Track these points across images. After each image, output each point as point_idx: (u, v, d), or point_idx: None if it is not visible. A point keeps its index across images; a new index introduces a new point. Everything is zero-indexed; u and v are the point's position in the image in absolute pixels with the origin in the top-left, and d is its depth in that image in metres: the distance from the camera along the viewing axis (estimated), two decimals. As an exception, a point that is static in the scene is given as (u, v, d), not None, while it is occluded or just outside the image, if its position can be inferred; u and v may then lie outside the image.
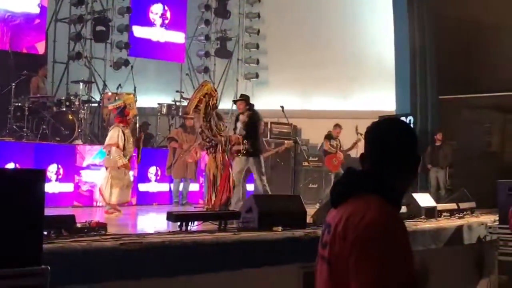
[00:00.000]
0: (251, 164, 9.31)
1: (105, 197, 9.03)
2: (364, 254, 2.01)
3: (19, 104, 10.98)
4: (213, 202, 8.59)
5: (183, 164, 11.13)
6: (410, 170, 2.23)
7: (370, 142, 2.26)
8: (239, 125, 9.41)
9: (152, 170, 11.54)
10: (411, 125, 12.32)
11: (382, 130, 2.25)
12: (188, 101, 9.15)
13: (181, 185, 11.44)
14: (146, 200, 11.29)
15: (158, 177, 11.58)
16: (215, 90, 8.91)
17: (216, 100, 8.79)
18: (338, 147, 12.28)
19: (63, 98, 11.86)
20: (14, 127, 10.80)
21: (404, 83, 13.71)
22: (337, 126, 12.50)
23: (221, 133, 8.77)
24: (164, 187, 11.59)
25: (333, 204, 2.27)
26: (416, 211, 8.55)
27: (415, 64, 13.60)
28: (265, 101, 15.98)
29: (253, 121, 9.40)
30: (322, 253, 2.23)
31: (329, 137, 12.42)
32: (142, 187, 11.36)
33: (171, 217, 6.54)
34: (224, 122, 9.32)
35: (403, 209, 8.28)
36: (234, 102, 10.02)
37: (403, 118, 12.73)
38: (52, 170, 10.11)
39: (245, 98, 9.75)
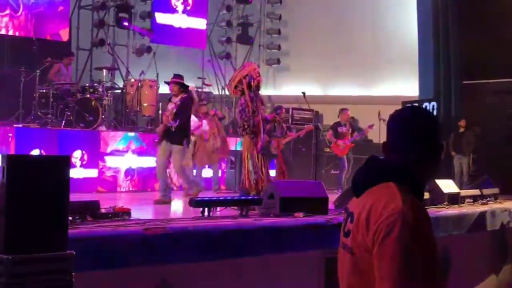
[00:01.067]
0: (173, 152, 8.91)
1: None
2: (387, 243, 2.01)
3: (44, 90, 11.11)
4: (252, 185, 8.34)
5: (206, 151, 11.17)
6: (433, 158, 2.22)
7: (392, 130, 2.24)
8: (170, 107, 9.02)
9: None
10: (435, 111, 12.33)
11: (405, 119, 2.24)
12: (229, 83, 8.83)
13: (208, 172, 11.49)
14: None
15: (187, 165, 11.65)
16: (258, 72, 8.44)
17: (259, 82, 8.33)
18: (349, 132, 12.28)
19: (87, 84, 11.96)
20: (39, 113, 10.93)
21: (427, 68, 13.59)
22: (342, 110, 12.47)
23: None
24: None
25: (355, 192, 2.27)
26: (439, 197, 8.53)
27: (439, 49, 13.46)
28: (286, 87, 16.01)
29: (185, 105, 8.97)
30: (344, 242, 2.24)
31: (334, 126, 12.40)
32: (165, 173, 11.45)
33: (193, 203, 6.61)
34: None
35: (426, 195, 8.27)
36: (167, 83, 9.38)
37: (426, 104, 12.68)
38: (76, 156, 10.23)
39: (179, 79, 9.20)
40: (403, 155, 2.20)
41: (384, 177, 2.17)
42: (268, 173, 8.46)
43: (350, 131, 12.35)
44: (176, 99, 8.98)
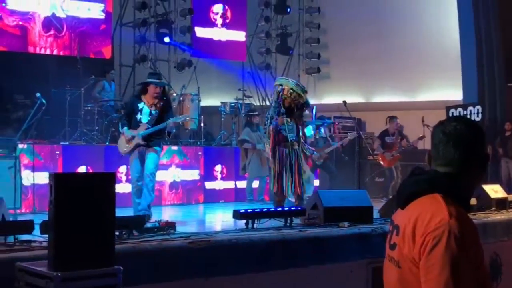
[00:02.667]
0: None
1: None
2: (434, 256, 2.01)
3: (89, 108, 11.34)
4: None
5: (258, 162, 11.21)
6: (478, 168, 2.21)
7: (436, 141, 2.24)
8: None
9: (218, 168, 11.70)
10: (479, 115, 12.12)
11: (449, 129, 2.22)
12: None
13: (256, 183, 11.52)
14: (212, 198, 11.45)
15: (224, 175, 11.72)
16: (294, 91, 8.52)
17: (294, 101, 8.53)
18: (398, 141, 12.08)
19: (130, 100, 12.16)
20: (85, 130, 11.16)
21: (470, 71, 13.38)
22: (391, 119, 12.28)
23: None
24: (230, 184, 11.73)
25: (400, 204, 2.26)
26: (487, 203, 8.36)
27: (482, 51, 13.25)
28: (327, 96, 15.96)
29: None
30: (390, 255, 2.24)
31: (382, 136, 12.25)
32: (208, 185, 11.53)
33: (237, 215, 6.63)
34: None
35: (473, 201, 8.12)
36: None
37: (471, 108, 12.48)
38: (122, 171, 10.39)
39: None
40: (448, 166, 2.19)
41: (429, 188, 2.17)
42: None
43: (398, 140, 12.14)
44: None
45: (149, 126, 8.11)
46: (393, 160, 11.98)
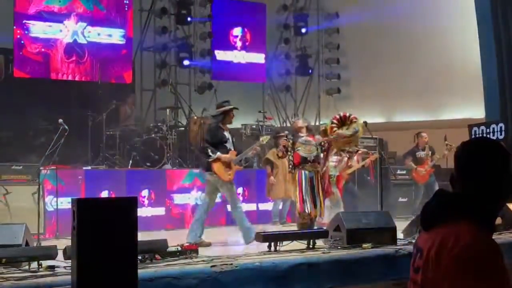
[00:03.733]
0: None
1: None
2: (459, 280, 1.99)
3: (111, 132, 11.44)
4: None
5: (282, 184, 11.20)
6: (502, 192, 2.18)
7: (459, 165, 2.22)
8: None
9: (239, 190, 11.68)
10: (502, 132, 11.99)
11: (472, 153, 2.20)
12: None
13: (280, 205, 11.51)
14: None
15: (246, 197, 11.71)
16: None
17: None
18: (428, 155, 12.05)
19: (151, 124, 12.25)
20: (107, 155, 11.24)
21: (492, 89, 13.25)
22: (419, 134, 12.27)
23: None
24: (251, 207, 11.70)
25: (424, 227, 2.24)
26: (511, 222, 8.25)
27: (503, 69, 13.14)
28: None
29: None
30: (414, 278, 2.21)
31: (412, 152, 12.22)
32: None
33: (259, 237, 6.61)
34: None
35: (498, 220, 8.01)
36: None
37: (493, 126, 12.33)
38: (144, 195, 10.44)
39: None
40: (471, 188, 2.17)
41: (453, 211, 2.14)
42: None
43: (430, 154, 12.12)
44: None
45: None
46: (427, 174, 11.98)
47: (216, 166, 8.36)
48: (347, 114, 8.80)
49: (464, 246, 2.01)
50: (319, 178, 8.84)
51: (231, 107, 8.63)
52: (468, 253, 2.00)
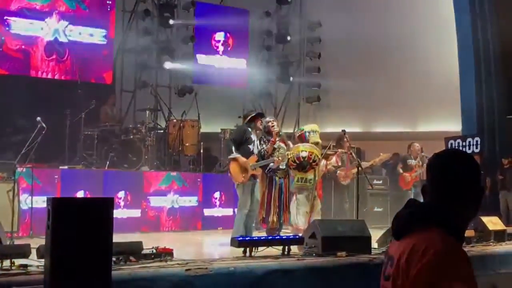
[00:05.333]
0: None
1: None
2: (429, 287, 2.02)
3: (89, 132, 11.38)
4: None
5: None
6: (473, 202, 2.23)
7: (431, 175, 2.26)
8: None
9: (217, 195, 11.69)
10: (478, 146, 12.14)
11: (445, 164, 2.25)
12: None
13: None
14: (210, 225, 11.43)
15: (222, 202, 11.71)
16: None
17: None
18: (418, 164, 12.18)
19: (130, 126, 12.21)
20: (84, 155, 11.17)
21: (469, 103, 13.42)
22: (411, 144, 12.45)
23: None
24: (228, 212, 11.70)
25: (395, 235, 2.28)
26: (485, 235, 8.36)
27: (481, 83, 13.31)
28: (327, 125, 15.97)
29: None
30: (385, 286, 2.25)
31: (404, 159, 12.38)
32: (207, 212, 11.52)
33: (234, 243, 6.61)
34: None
35: (472, 233, 8.11)
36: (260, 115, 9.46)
37: (470, 139, 12.49)
38: (120, 196, 10.39)
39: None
40: (442, 199, 2.21)
41: (424, 221, 2.18)
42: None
43: (420, 164, 12.24)
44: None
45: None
46: (411, 181, 12.09)
47: (232, 167, 8.73)
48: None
49: (434, 254, 2.05)
50: (287, 185, 8.98)
51: (256, 113, 9.46)
52: (438, 260, 2.03)
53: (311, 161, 8.87)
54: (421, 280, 2.04)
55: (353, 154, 11.04)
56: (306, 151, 8.91)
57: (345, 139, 11.34)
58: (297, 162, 8.87)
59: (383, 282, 2.26)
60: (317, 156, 8.94)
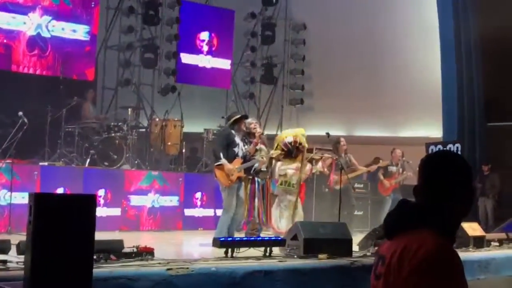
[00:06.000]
0: None
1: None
2: (421, 286, 2.04)
3: (70, 129, 11.27)
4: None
5: None
6: (465, 203, 2.24)
7: (423, 176, 2.27)
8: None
9: (198, 195, 11.64)
10: (459, 152, 12.23)
11: (436, 165, 2.27)
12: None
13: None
14: (191, 225, 11.38)
15: (204, 202, 11.66)
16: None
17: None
18: (399, 171, 12.23)
19: (112, 123, 12.11)
20: (64, 152, 11.06)
21: (451, 110, 13.54)
22: (393, 150, 12.50)
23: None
24: (209, 212, 11.66)
25: (387, 235, 2.29)
26: (465, 241, 8.41)
27: (463, 90, 13.43)
28: (310, 127, 15.98)
29: None
30: (375, 285, 2.26)
31: (386, 165, 12.42)
32: (188, 212, 11.46)
33: (216, 243, 6.59)
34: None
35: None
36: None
37: (450, 145, 12.58)
38: (100, 194, 10.30)
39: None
40: (434, 200, 2.22)
41: (416, 221, 2.20)
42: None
43: (400, 172, 12.27)
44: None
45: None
46: (390, 188, 12.12)
47: (218, 171, 8.71)
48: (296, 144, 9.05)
49: (426, 253, 2.06)
50: (268, 186, 9.00)
51: (240, 115, 9.31)
52: (430, 259, 2.05)
53: (297, 144, 8.93)
54: (412, 280, 2.05)
55: (352, 158, 11.14)
56: (291, 136, 9.00)
57: (342, 143, 11.46)
58: (285, 149, 8.92)
59: (374, 281, 2.27)
60: (302, 140, 9.00)
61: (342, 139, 11.97)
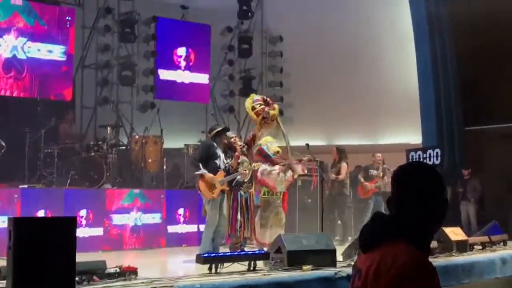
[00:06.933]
0: None
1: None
2: None
3: (49, 150, 11.18)
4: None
5: None
6: (438, 214, 2.25)
7: (396, 187, 2.28)
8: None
9: (181, 211, 11.60)
10: (439, 158, 12.33)
11: (409, 176, 2.28)
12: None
13: None
14: (175, 242, 11.32)
15: (187, 219, 11.62)
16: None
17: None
18: (379, 175, 12.30)
19: (92, 143, 12.05)
20: (44, 173, 10.98)
21: (429, 115, 13.65)
22: (373, 155, 12.67)
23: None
24: (192, 228, 11.61)
25: (362, 249, 2.30)
26: (448, 246, 8.47)
27: (440, 95, 13.56)
28: (290, 138, 16.02)
29: None
30: None
31: (366, 168, 12.52)
32: (171, 229, 11.41)
33: (199, 259, 6.57)
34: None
35: (434, 243, 8.20)
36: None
37: (430, 151, 12.67)
38: (82, 215, 10.23)
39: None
40: (408, 212, 2.23)
41: (390, 233, 2.20)
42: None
43: (381, 176, 12.34)
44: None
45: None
46: (370, 191, 12.20)
47: (201, 184, 8.73)
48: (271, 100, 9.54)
49: (401, 266, 2.07)
50: (252, 199, 9.02)
51: (222, 127, 9.40)
52: (405, 273, 2.05)
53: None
54: None
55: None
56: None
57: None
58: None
59: (351, 295, 2.28)
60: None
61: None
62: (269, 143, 9.48)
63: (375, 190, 12.25)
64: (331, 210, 11.84)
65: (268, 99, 9.77)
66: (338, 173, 12.20)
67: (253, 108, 9.37)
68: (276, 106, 9.73)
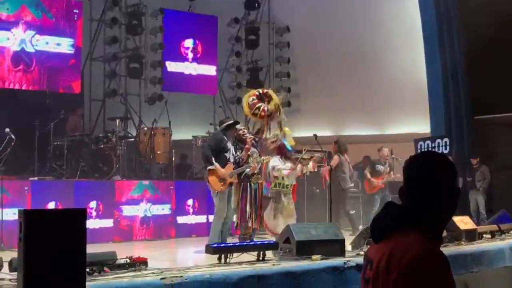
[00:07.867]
0: None
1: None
2: None
3: (58, 143, 11.25)
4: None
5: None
6: (450, 204, 2.24)
7: (408, 178, 2.27)
8: None
9: (190, 202, 11.65)
10: (447, 147, 12.30)
11: (420, 166, 2.26)
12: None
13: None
14: (184, 232, 11.38)
15: (196, 209, 11.67)
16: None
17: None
18: (386, 171, 12.26)
19: (101, 135, 12.11)
20: (54, 165, 11.04)
21: (437, 105, 13.61)
22: (381, 149, 12.57)
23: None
24: (201, 219, 11.67)
25: (374, 239, 2.29)
26: (457, 235, 8.46)
27: (448, 85, 13.51)
28: (298, 129, 16.02)
29: None
30: None
31: (373, 164, 12.48)
32: (180, 219, 11.47)
33: (209, 250, 6.60)
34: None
35: (443, 233, 8.21)
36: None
37: (438, 140, 12.65)
38: (92, 206, 10.30)
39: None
40: (419, 201, 2.22)
41: (401, 223, 2.20)
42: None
43: (388, 170, 12.31)
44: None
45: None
46: (377, 187, 12.17)
47: (211, 178, 8.82)
48: (265, 91, 9.55)
49: (412, 258, 2.06)
50: (261, 190, 9.04)
51: (233, 121, 9.62)
52: (416, 264, 2.05)
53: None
54: (400, 285, 2.06)
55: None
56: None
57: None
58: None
59: (363, 285, 2.29)
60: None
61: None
62: (287, 136, 9.47)
63: (381, 186, 12.21)
64: (334, 202, 11.82)
65: (261, 91, 9.62)
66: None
67: (254, 114, 9.34)
68: (271, 93, 9.60)
